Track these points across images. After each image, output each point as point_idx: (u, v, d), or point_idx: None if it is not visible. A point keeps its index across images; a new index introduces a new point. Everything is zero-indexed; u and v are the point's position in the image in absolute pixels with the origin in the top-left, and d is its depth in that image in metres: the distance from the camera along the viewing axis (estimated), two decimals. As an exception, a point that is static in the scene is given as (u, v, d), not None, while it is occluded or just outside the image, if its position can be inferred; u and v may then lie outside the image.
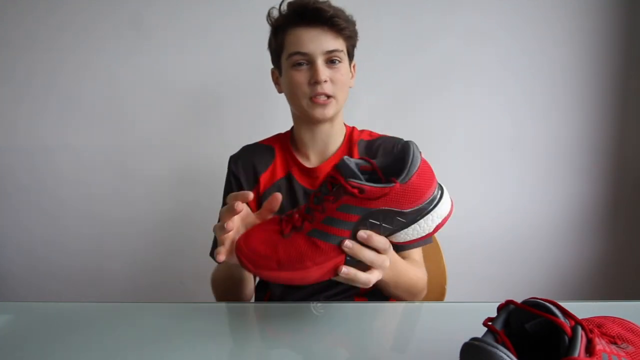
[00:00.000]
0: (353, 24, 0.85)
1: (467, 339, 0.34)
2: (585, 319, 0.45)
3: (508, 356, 0.31)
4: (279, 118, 1.30)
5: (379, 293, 0.88)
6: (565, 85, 1.37)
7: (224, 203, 0.92)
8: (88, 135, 1.40)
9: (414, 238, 0.54)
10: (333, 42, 0.80)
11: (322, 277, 0.53)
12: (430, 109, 1.37)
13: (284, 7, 0.83)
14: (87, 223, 1.45)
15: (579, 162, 1.40)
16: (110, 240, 1.45)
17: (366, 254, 0.53)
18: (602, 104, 1.37)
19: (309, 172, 0.88)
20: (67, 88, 1.38)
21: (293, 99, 0.85)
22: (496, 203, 1.41)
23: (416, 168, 0.50)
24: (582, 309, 0.44)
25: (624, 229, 1.43)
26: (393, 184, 0.50)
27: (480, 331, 0.37)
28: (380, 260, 0.55)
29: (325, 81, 0.80)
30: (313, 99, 0.81)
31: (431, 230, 0.53)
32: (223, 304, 0.76)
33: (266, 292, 0.91)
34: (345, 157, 0.52)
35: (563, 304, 0.37)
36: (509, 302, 0.39)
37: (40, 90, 1.38)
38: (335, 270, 0.53)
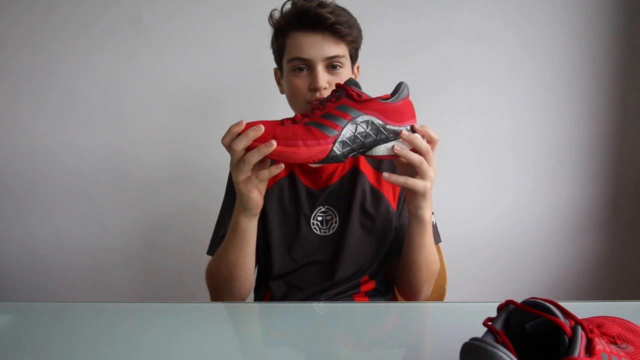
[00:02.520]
0: (356, 28, 0.83)
1: (467, 339, 0.34)
2: (585, 319, 0.45)
3: (508, 356, 0.31)
4: (278, 117, 1.30)
5: (379, 292, 0.89)
6: (566, 85, 1.37)
7: (226, 203, 0.92)
8: (87, 134, 1.40)
9: (390, 154, 0.64)
10: (334, 48, 0.79)
11: (309, 157, 0.61)
12: (430, 109, 1.37)
13: (286, 9, 0.82)
14: (87, 223, 1.45)
15: (579, 162, 1.40)
16: (110, 240, 1.45)
17: (419, 145, 0.64)
18: (602, 103, 1.37)
19: (311, 172, 0.88)
20: (66, 87, 1.38)
21: (293, 103, 0.85)
22: (496, 203, 1.41)
23: (404, 96, 0.65)
24: (582, 309, 0.44)
25: (624, 229, 1.43)
26: (384, 98, 0.63)
27: (480, 331, 0.37)
28: (429, 171, 0.66)
29: (325, 88, 0.79)
30: (311, 104, 0.80)
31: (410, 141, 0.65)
32: (222, 304, 0.76)
33: (266, 292, 0.91)
34: (352, 77, 0.63)
35: (563, 304, 0.37)
36: (509, 302, 0.39)
37: (39, 90, 1.38)
38: (323, 154, 0.62)
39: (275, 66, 0.90)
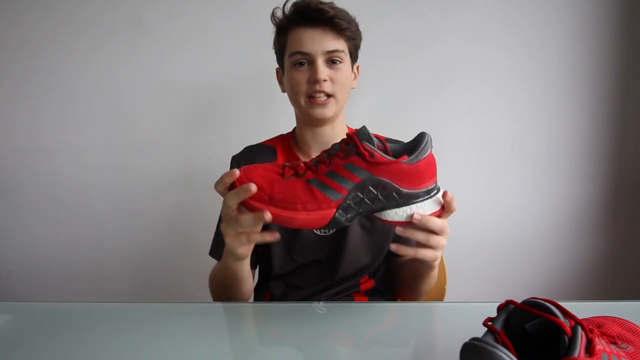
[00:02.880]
0: (355, 25, 0.85)
1: (467, 339, 0.34)
2: (585, 319, 0.45)
3: (508, 356, 0.31)
4: (279, 117, 1.31)
5: (379, 291, 0.89)
6: (566, 85, 1.37)
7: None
8: (87, 134, 1.40)
9: (401, 220, 0.56)
10: (334, 43, 0.81)
11: (308, 224, 0.54)
12: (430, 109, 1.37)
13: (287, 7, 0.84)
14: (87, 223, 1.45)
15: (579, 162, 1.40)
16: (110, 240, 1.45)
17: (434, 225, 0.56)
18: (602, 104, 1.37)
19: None
20: (66, 87, 1.38)
21: (293, 98, 0.86)
22: (496, 203, 1.41)
23: (425, 155, 0.55)
24: (582, 309, 0.44)
25: (624, 229, 1.43)
26: (401, 159, 0.53)
27: (480, 331, 0.37)
28: (441, 241, 0.58)
29: (325, 80, 0.80)
30: (312, 99, 0.82)
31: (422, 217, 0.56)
32: (222, 304, 0.76)
33: (266, 292, 0.91)
34: (365, 126, 0.55)
35: (563, 304, 0.37)
36: (509, 302, 0.39)
37: (39, 90, 1.38)
38: (324, 222, 0.54)
39: (277, 66, 0.91)
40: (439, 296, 1.01)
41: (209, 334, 0.58)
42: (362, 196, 0.54)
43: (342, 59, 0.82)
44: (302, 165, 0.56)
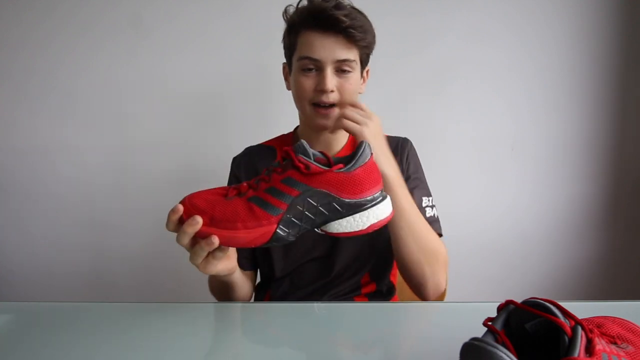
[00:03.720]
0: (371, 33, 0.82)
1: (467, 339, 0.34)
2: (585, 319, 0.45)
3: (508, 356, 0.31)
4: (279, 117, 1.31)
5: (380, 294, 0.89)
6: (566, 85, 1.37)
7: None
8: (87, 135, 1.40)
9: (346, 231, 0.55)
10: (346, 52, 0.78)
11: (249, 242, 0.54)
12: (430, 109, 1.37)
13: (301, 6, 0.80)
14: (87, 223, 1.45)
15: (579, 162, 1.40)
16: (110, 240, 1.45)
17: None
18: (602, 103, 1.37)
19: None
20: (66, 87, 1.38)
21: (298, 102, 0.84)
22: (496, 203, 1.41)
23: (362, 162, 0.54)
24: (582, 309, 0.44)
25: (624, 229, 1.43)
26: (336, 167, 0.53)
27: (480, 331, 0.37)
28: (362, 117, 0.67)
29: (332, 91, 0.78)
30: (316, 108, 0.80)
31: (365, 227, 0.55)
32: (223, 304, 0.76)
33: (266, 292, 0.91)
34: (303, 141, 0.54)
35: (563, 304, 0.37)
36: (509, 302, 0.39)
37: (38, 90, 1.38)
38: (265, 238, 0.54)
39: (284, 61, 0.89)
40: (439, 296, 1.01)
41: (209, 334, 0.58)
42: (302, 209, 0.53)
43: (352, 69, 0.79)
44: (245, 184, 0.56)
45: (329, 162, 0.55)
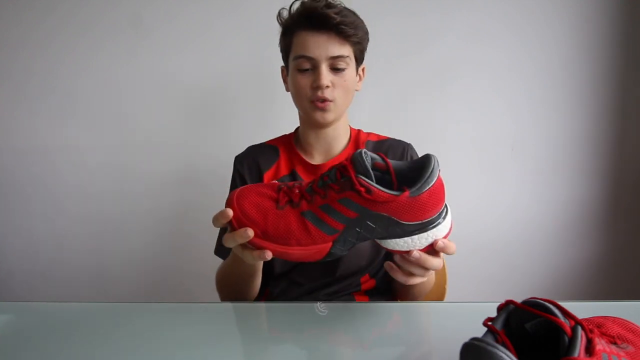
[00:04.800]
0: (362, 29, 0.84)
1: (467, 339, 0.34)
2: (585, 319, 0.45)
3: (508, 356, 0.31)
4: (280, 117, 1.31)
5: (380, 291, 0.89)
6: (566, 85, 1.37)
7: None
8: (87, 134, 1.40)
9: (402, 250, 0.53)
10: (339, 49, 0.80)
11: (301, 258, 0.53)
12: (430, 109, 1.37)
13: (294, 9, 0.84)
14: (87, 223, 1.45)
15: (579, 162, 1.40)
16: (111, 240, 1.45)
17: (430, 264, 0.53)
18: (603, 103, 1.37)
19: (313, 169, 0.89)
20: (66, 87, 1.38)
21: (296, 100, 0.87)
22: (496, 203, 1.41)
23: (430, 185, 0.49)
24: (582, 309, 0.44)
25: (624, 229, 1.43)
26: (401, 194, 0.48)
27: (480, 331, 0.37)
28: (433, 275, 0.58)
29: (328, 86, 0.80)
30: (314, 103, 0.82)
31: (422, 247, 0.53)
32: (223, 304, 0.76)
33: (265, 290, 0.91)
34: (363, 150, 0.50)
35: (563, 304, 0.37)
36: (509, 302, 0.39)
37: (38, 90, 1.38)
38: (321, 255, 0.52)
39: (282, 64, 0.92)
40: (439, 296, 1.01)
41: (208, 333, 0.58)
42: (359, 230, 0.50)
43: (346, 64, 0.82)
44: (297, 192, 0.52)
45: (387, 168, 0.51)
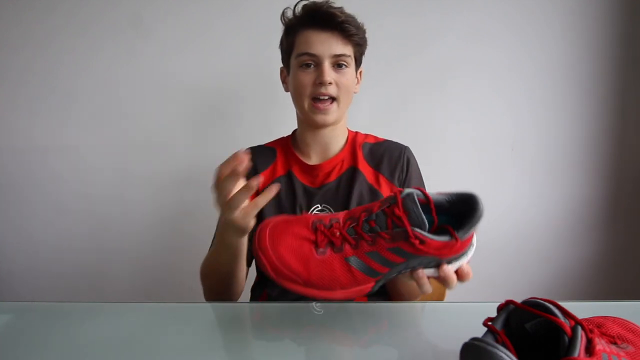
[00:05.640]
0: (363, 31, 0.87)
1: (467, 339, 0.34)
2: (585, 319, 0.45)
3: (508, 356, 0.31)
4: (279, 117, 1.31)
5: (378, 293, 0.89)
6: (566, 85, 1.37)
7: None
8: (87, 135, 1.40)
9: (428, 275, 0.53)
10: (341, 47, 0.83)
11: (344, 298, 0.52)
12: (430, 109, 1.37)
13: (298, 8, 0.86)
14: (87, 223, 1.45)
15: (579, 162, 1.40)
16: (110, 240, 1.45)
17: (453, 285, 0.55)
18: (602, 103, 1.37)
19: (309, 170, 0.89)
20: (66, 87, 1.38)
21: (296, 99, 0.87)
22: (496, 203, 1.41)
23: (475, 227, 0.49)
24: (582, 309, 0.44)
25: (624, 229, 1.43)
26: (454, 240, 0.48)
27: (480, 331, 0.37)
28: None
29: (330, 83, 0.82)
30: (314, 103, 0.83)
31: (448, 276, 0.53)
32: (223, 304, 0.76)
33: (262, 291, 0.91)
34: (416, 192, 0.49)
35: (563, 304, 0.37)
36: (509, 302, 0.39)
37: (38, 90, 1.38)
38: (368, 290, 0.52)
39: (282, 65, 0.93)
40: (439, 296, 1.01)
41: (207, 334, 0.58)
42: (401, 270, 0.51)
43: (347, 64, 0.84)
44: (337, 233, 0.50)
45: (427, 200, 0.50)
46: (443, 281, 0.54)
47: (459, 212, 0.51)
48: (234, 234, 0.67)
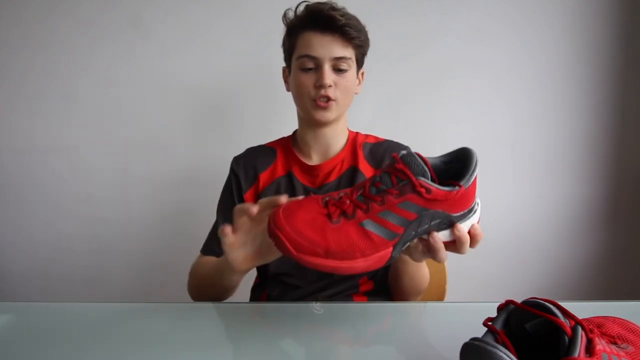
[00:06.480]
0: (364, 33, 0.87)
1: (467, 339, 0.34)
2: (585, 319, 0.45)
3: (508, 356, 0.31)
4: (280, 117, 1.31)
5: (378, 293, 0.89)
6: (566, 85, 1.37)
7: (221, 199, 0.93)
8: (87, 134, 1.40)
9: (444, 240, 0.54)
10: (342, 50, 0.83)
11: (367, 268, 0.51)
12: (430, 109, 1.37)
13: (300, 9, 0.86)
14: (87, 223, 1.45)
15: (579, 162, 1.40)
16: (110, 241, 1.45)
17: (465, 250, 0.56)
18: (602, 103, 1.37)
19: (310, 170, 0.89)
20: (66, 87, 1.38)
21: (298, 99, 0.87)
22: (496, 203, 1.41)
23: (475, 175, 0.51)
24: (582, 309, 0.44)
25: (624, 229, 1.43)
26: (458, 188, 0.50)
27: (480, 331, 0.37)
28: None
29: (330, 85, 0.82)
30: (316, 102, 0.83)
31: (462, 235, 0.54)
32: (223, 304, 0.75)
33: (263, 291, 0.91)
34: (414, 154, 0.51)
35: (563, 304, 0.37)
36: (509, 302, 0.39)
37: (38, 90, 1.38)
38: (383, 262, 0.52)
39: (284, 65, 0.93)
40: (439, 296, 1.01)
41: (207, 334, 0.58)
42: (416, 230, 0.51)
43: (348, 66, 0.84)
44: (348, 202, 0.51)
45: (427, 167, 0.51)
46: (458, 243, 0.54)
47: (456, 172, 0.53)
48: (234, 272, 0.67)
